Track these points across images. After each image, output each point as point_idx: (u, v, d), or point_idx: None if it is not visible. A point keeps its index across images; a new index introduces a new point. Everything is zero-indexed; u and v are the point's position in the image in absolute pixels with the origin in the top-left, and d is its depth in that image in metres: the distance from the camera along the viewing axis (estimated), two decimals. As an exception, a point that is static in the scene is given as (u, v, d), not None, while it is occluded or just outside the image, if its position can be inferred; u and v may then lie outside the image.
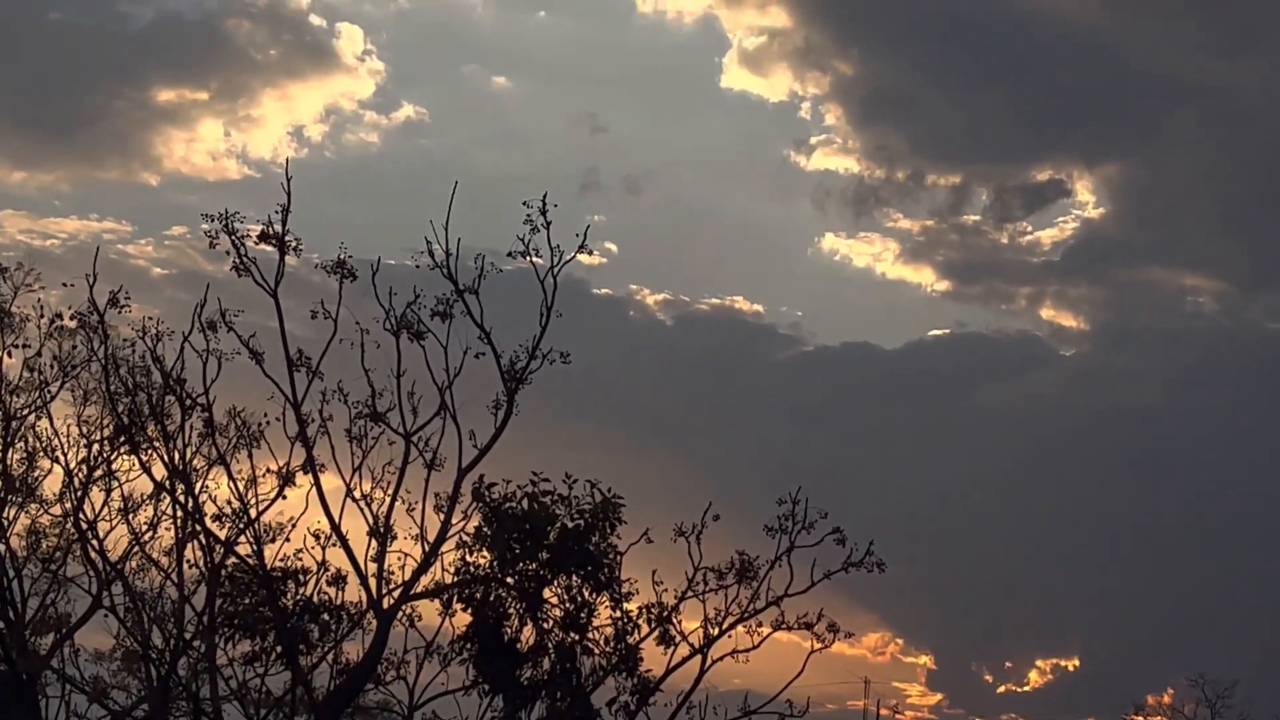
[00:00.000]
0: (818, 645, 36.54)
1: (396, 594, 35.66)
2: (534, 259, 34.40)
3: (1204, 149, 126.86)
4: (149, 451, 36.62)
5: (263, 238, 33.87)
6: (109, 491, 41.43)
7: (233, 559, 36.30)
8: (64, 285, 36.59)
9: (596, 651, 35.49)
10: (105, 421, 41.01)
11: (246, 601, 36.76)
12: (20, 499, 42.88)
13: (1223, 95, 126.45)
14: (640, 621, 35.83)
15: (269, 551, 36.25)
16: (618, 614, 35.60)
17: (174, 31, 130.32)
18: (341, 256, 34.34)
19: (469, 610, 35.65)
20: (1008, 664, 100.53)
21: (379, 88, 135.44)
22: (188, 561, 36.96)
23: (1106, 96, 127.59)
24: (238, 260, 33.81)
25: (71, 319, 36.70)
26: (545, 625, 35.14)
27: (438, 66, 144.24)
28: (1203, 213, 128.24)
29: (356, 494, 35.76)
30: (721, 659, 36.07)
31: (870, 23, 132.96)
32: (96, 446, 41.46)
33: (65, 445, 41.46)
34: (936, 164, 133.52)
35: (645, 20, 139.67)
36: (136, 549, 40.54)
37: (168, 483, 36.55)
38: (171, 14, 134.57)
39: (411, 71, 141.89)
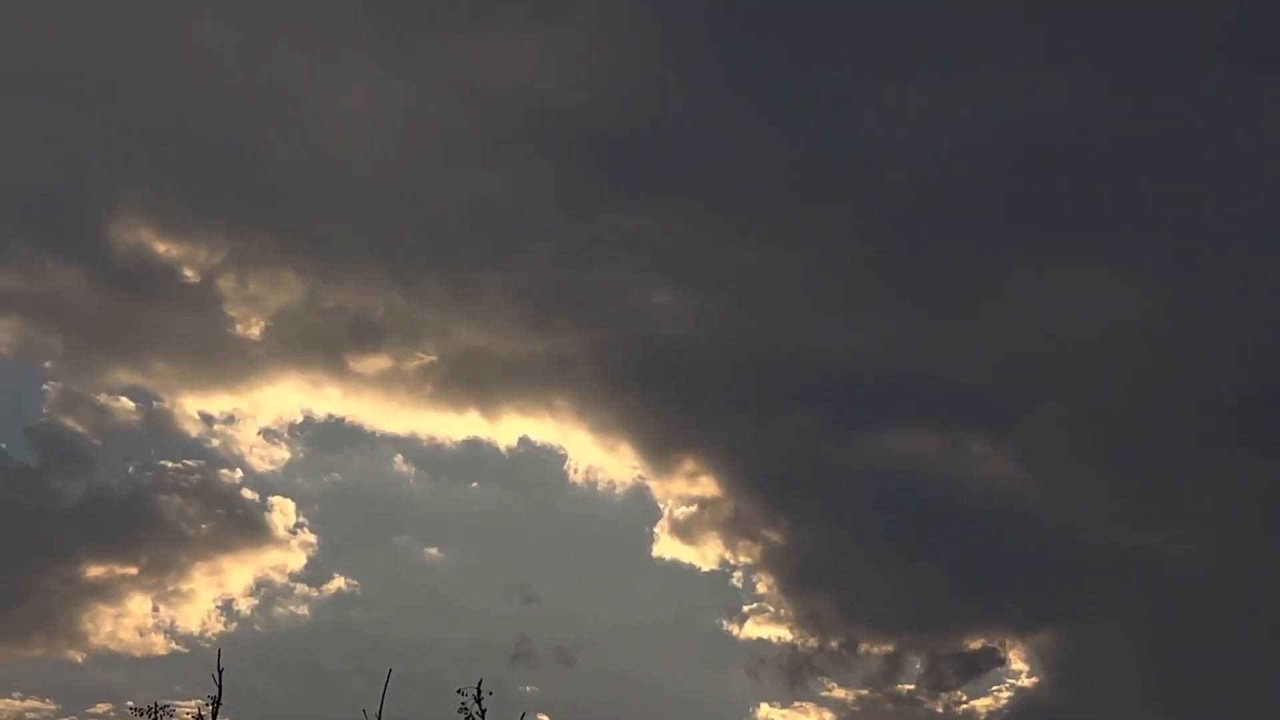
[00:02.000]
0: None
1: None
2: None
3: (1131, 619, 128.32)
4: None
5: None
6: None
7: None
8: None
9: None
10: None
11: None
12: None
13: (1148, 565, 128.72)
14: None
15: None
16: None
17: (104, 507, 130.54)
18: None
19: None
20: None
21: (310, 560, 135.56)
22: None
23: (1035, 565, 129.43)
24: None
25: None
26: None
27: (369, 538, 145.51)
28: (1133, 683, 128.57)
29: None
30: None
31: (799, 493, 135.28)
32: None
33: None
34: (869, 632, 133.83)
35: (576, 490, 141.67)
36: None
37: None
38: (102, 489, 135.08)
39: (343, 543, 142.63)
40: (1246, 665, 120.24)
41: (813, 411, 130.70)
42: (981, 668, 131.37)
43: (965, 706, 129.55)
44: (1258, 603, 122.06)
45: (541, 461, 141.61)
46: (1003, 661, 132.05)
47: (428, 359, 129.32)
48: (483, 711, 34.04)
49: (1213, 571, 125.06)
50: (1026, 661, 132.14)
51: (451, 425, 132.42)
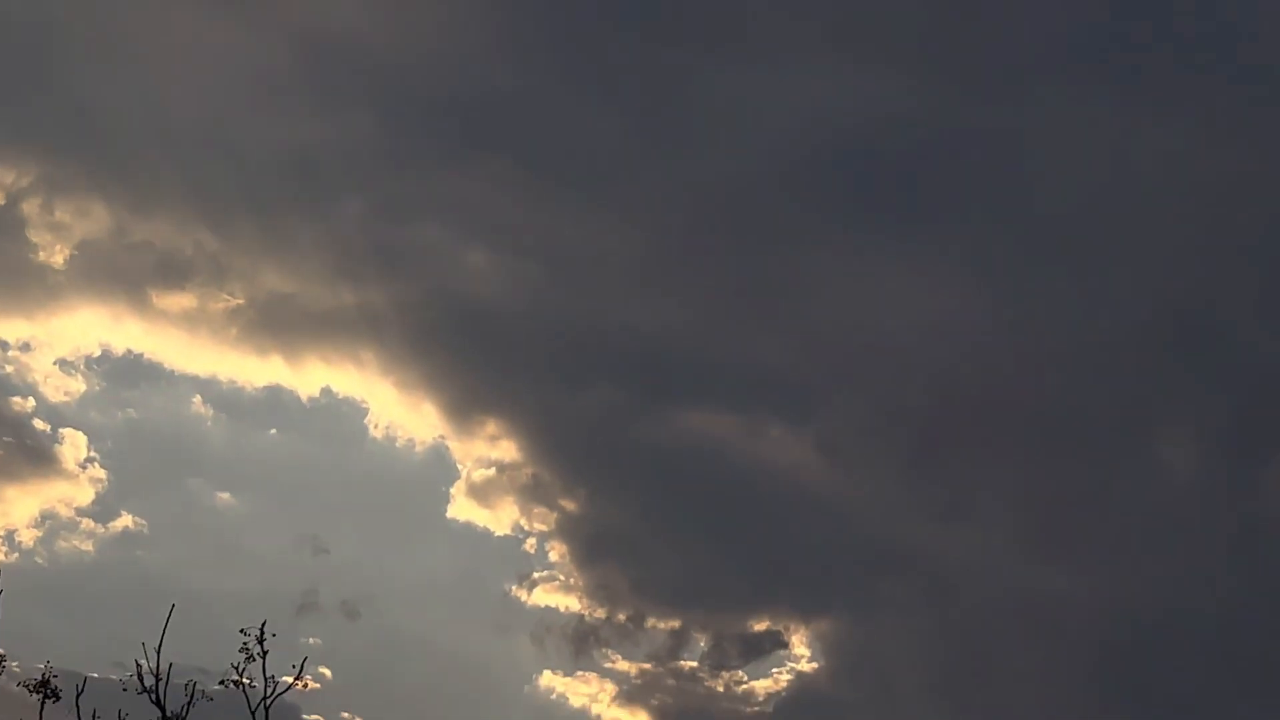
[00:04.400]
0: None
1: None
2: (247, 686, 33.87)
3: (915, 612, 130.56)
4: None
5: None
6: None
7: None
8: None
9: None
10: None
11: None
12: None
13: (934, 561, 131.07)
14: None
15: None
16: None
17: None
18: (46, 675, 33.46)
19: None
20: None
21: (98, 496, 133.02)
22: None
23: (824, 553, 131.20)
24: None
25: None
26: None
27: (161, 478, 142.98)
28: (911, 674, 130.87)
29: None
30: None
31: (598, 465, 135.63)
32: None
33: None
34: (657, 608, 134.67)
35: (376, 445, 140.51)
36: None
37: None
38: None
39: (134, 481, 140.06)
40: (1020, 666, 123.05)
41: (618, 385, 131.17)
42: (764, 650, 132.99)
43: (745, 686, 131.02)
44: (1035, 607, 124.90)
45: (342, 414, 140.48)
46: (785, 645, 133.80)
47: (234, 301, 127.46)
48: (264, 653, 33.56)
49: (995, 573, 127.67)
50: (808, 646, 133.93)
51: (254, 370, 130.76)
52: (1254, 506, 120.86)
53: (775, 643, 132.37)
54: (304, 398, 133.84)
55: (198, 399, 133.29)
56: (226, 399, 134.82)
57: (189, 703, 33.38)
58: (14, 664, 33.30)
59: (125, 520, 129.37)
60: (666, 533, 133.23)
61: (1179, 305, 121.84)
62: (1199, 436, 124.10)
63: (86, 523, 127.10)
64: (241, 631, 33.65)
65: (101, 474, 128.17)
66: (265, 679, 33.87)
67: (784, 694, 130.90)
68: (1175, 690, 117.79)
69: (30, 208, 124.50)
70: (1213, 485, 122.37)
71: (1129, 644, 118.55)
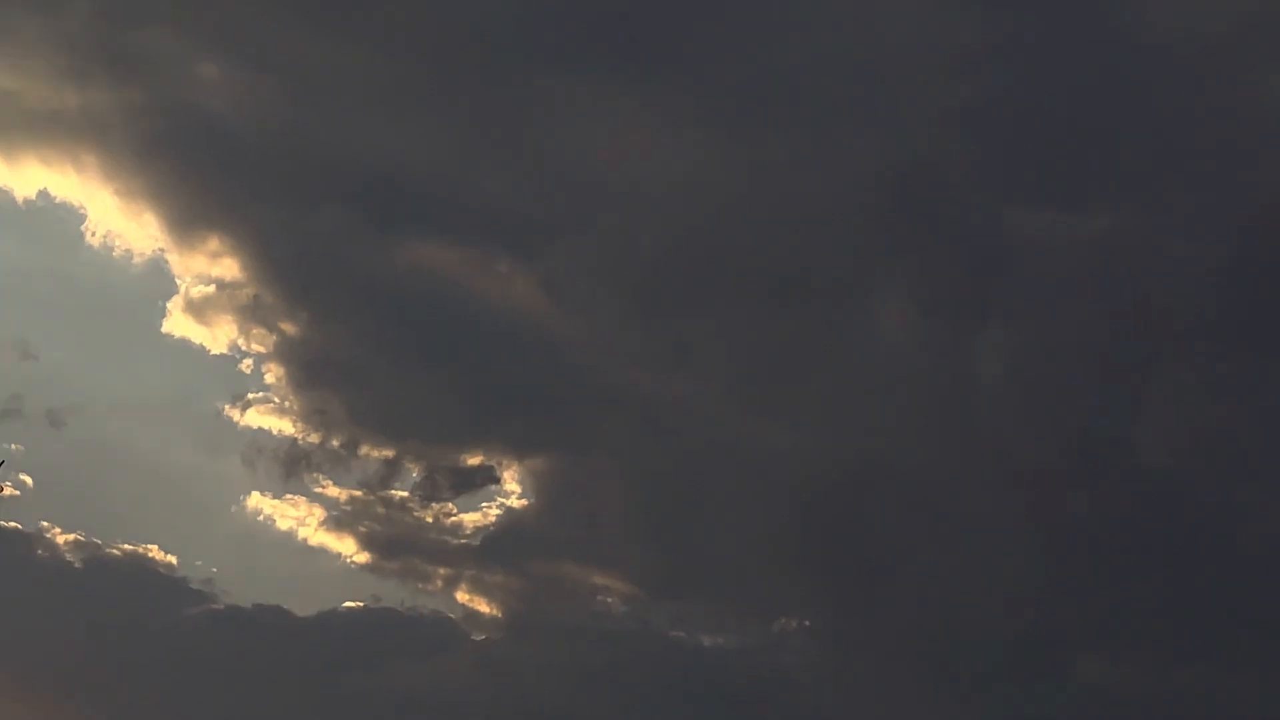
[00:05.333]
0: None
1: None
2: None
3: (628, 456, 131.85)
4: None
5: None
6: None
7: None
8: None
9: None
10: None
11: None
12: None
13: (652, 406, 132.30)
14: None
15: None
16: None
17: None
18: None
19: None
20: None
21: None
22: None
23: (543, 392, 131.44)
24: None
25: None
26: None
27: None
28: (620, 517, 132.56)
29: None
30: None
31: (322, 289, 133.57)
32: None
33: None
34: (372, 435, 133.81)
35: (92, 253, 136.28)
36: None
37: None
38: None
39: None
40: (728, 512, 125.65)
41: (348, 209, 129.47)
42: (476, 484, 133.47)
43: (454, 519, 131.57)
44: (747, 455, 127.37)
45: (59, 218, 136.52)
46: (498, 480, 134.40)
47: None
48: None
49: (711, 420, 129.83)
50: (520, 483, 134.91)
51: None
52: (963, 369, 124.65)
53: (488, 477, 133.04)
54: (19, 199, 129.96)
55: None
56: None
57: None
58: None
59: None
60: (387, 362, 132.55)
61: (904, 169, 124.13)
62: (916, 299, 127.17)
63: None
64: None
65: None
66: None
67: (492, 528, 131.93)
68: (874, 541, 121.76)
69: None
70: (925, 347, 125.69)
71: (834, 495, 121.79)
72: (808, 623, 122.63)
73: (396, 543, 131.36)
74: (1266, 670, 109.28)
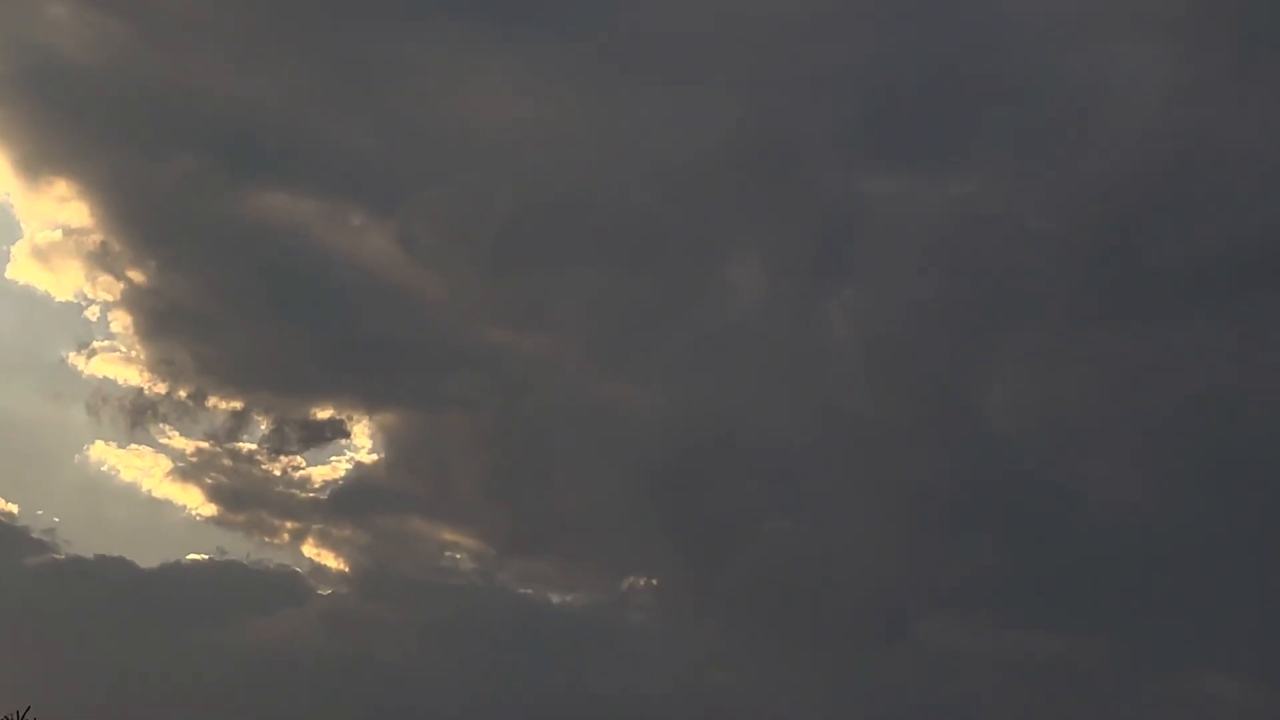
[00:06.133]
0: None
1: None
2: None
3: (481, 414, 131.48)
4: None
5: None
6: None
7: None
8: None
9: None
10: None
11: None
12: None
13: (506, 364, 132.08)
14: None
15: None
16: None
17: None
18: None
19: None
20: None
21: None
22: None
23: (396, 346, 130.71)
24: None
25: None
26: None
27: None
28: (471, 474, 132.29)
29: None
30: None
31: (173, 238, 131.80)
32: None
33: None
34: (221, 387, 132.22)
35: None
36: None
37: None
38: None
39: None
40: (577, 472, 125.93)
41: (201, 156, 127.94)
42: (326, 437, 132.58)
43: (303, 472, 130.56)
44: (599, 416, 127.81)
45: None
46: (347, 434, 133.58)
47: None
48: None
49: (564, 380, 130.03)
50: (371, 438, 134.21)
51: None
52: (816, 334, 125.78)
53: (337, 431, 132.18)
54: None
55: None
56: None
57: None
58: None
59: None
60: (238, 313, 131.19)
61: (761, 132, 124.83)
62: (770, 263, 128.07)
63: None
64: None
65: None
66: None
67: (341, 482, 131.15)
68: (724, 501, 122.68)
69: None
70: (779, 311, 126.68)
71: (685, 456, 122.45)
72: (655, 581, 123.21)
73: (243, 495, 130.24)
74: (1111, 633, 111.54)
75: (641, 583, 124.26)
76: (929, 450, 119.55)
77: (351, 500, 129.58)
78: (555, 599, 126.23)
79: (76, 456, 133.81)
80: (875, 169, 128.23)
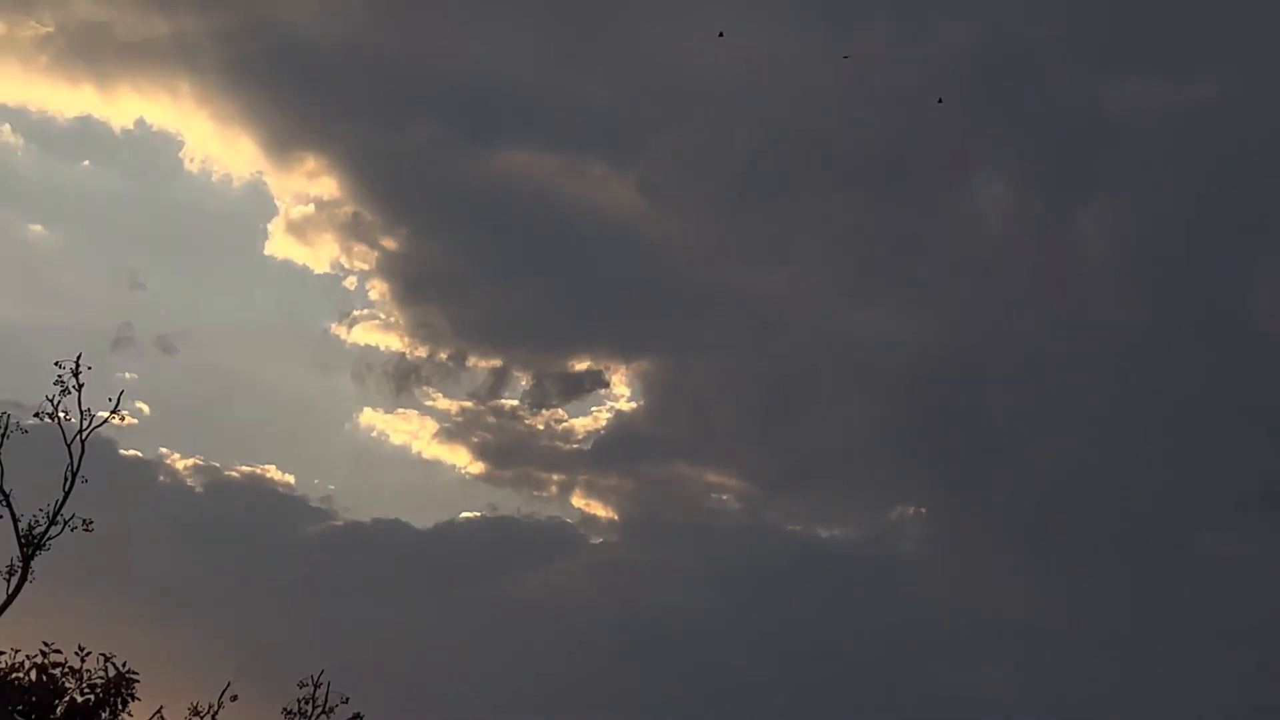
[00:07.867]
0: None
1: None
2: (62, 420, 33.38)
3: (735, 354, 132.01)
4: None
5: None
6: None
7: None
8: None
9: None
10: None
11: None
12: None
13: (753, 302, 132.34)
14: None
15: None
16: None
17: None
18: None
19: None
20: None
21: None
22: None
23: (645, 294, 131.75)
24: None
25: None
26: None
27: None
28: (730, 415, 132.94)
29: None
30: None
31: (420, 203, 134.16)
32: None
33: None
34: (478, 346, 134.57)
35: (192, 179, 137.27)
36: None
37: None
38: None
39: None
40: (833, 405, 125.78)
41: (440, 122, 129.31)
42: (585, 389, 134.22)
43: (565, 425, 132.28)
44: (850, 347, 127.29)
45: (157, 147, 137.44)
46: (606, 384, 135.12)
47: (44, 29, 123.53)
48: (80, 386, 32.95)
49: (812, 314, 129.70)
50: (629, 386, 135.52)
51: (65, 100, 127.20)
52: (1065, 248, 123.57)
53: (596, 382, 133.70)
54: (117, 129, 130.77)
55: (6, 128, 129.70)
56: (37, 129, 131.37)
57: (3, 435, 32.76)
58: None
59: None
60: (488, 273, 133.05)
61: (998, 50, 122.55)
62: (1014, 179, 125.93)
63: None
64: (56, 365, 32.95)
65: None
66: (80, 412, 33.31)
67: (603, 432, 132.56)
68: (984, 425, 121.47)
69: None
70: (1026, 227, 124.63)
71: (942, 381, 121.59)
72: (924, 510, 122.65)
73: (509, 451, 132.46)
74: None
75: (910, 511, 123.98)
76: (1197, 358, 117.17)
77: (615, 449, 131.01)
78: (824, 533, 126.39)
79: (346, 424, 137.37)
80: (1118, 75, 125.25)
